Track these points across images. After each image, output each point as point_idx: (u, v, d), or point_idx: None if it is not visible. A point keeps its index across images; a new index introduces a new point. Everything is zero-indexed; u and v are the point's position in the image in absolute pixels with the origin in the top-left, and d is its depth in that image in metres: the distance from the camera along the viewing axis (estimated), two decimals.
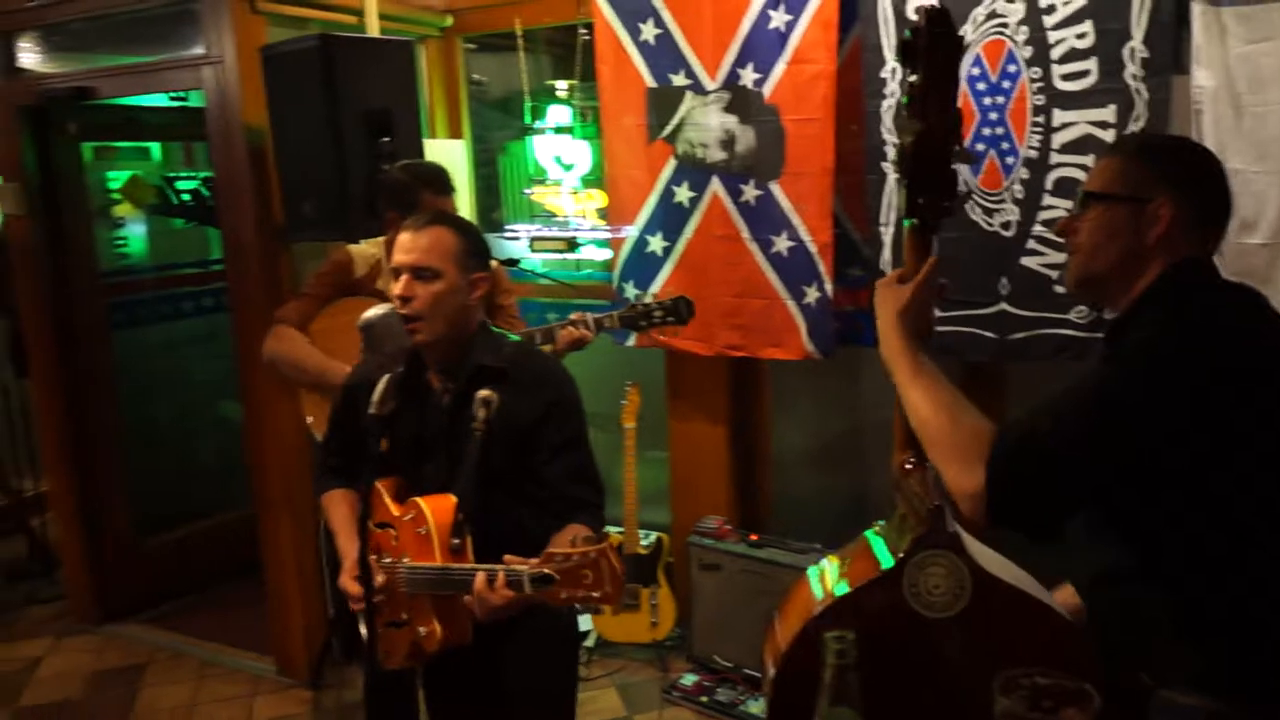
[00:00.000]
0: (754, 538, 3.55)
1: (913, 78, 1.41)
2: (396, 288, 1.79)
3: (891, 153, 2.94)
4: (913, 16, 2.84)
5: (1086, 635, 1.43)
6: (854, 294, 3.23)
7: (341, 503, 2.03)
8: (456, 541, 1.77)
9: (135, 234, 4.67)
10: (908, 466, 1.50)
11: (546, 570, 1.62)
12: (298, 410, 3.00)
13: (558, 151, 4.02)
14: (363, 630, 1.85)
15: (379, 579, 1.82)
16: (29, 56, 3.98)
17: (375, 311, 1.93)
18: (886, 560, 1.48)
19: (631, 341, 3.42)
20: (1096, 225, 1.46)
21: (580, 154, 4.02)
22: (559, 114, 4.00)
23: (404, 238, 1.82)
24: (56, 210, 4.16)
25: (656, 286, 3.42)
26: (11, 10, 3.86)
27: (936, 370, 1.42)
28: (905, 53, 1.43)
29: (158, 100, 4.42)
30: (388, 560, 1.87)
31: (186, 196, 4.81)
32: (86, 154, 4.32)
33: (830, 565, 1.63)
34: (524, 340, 1.97)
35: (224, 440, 4.63)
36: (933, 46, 1.40)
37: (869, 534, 1.62)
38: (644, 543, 3.77)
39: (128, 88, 3.83)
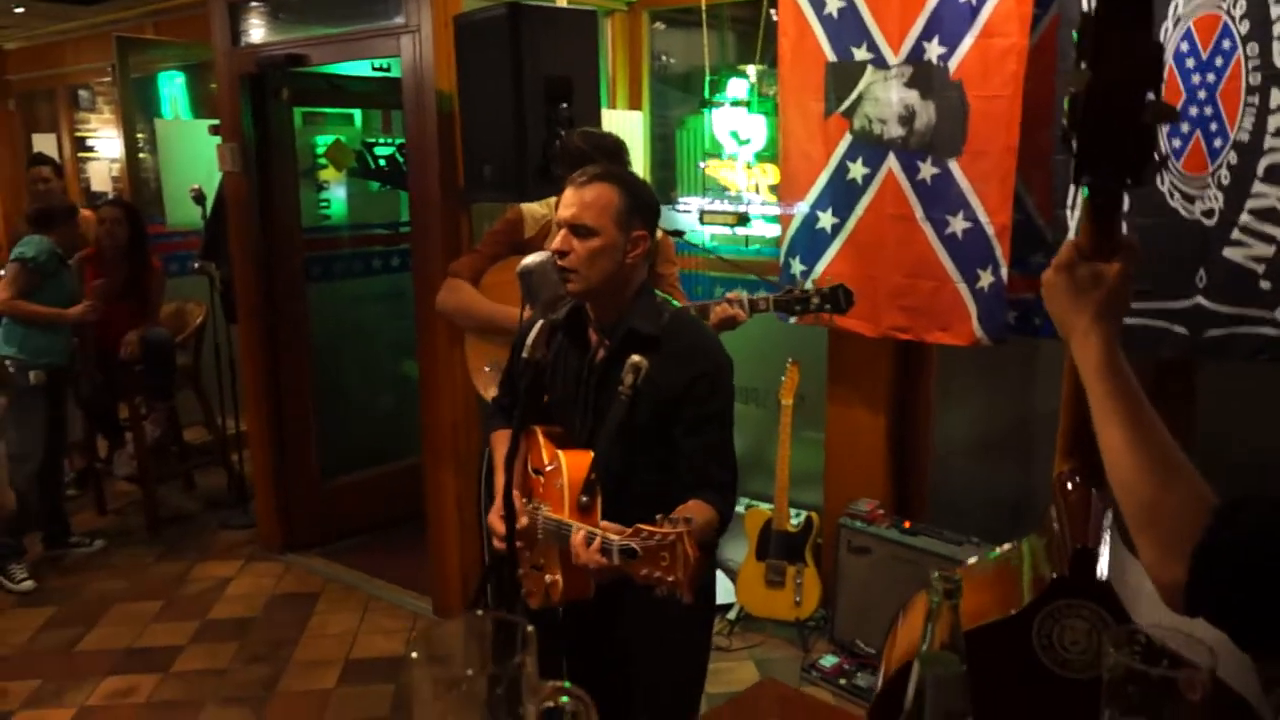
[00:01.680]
0: (907, 525, 3.48)
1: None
2: (555, 240, 1.80)
3: None
4: None
5: None
6: (1033, 281, 3.02)
7: (506, 442, 2.00)
8: (585, 499, 1.76)
9: (336, 195, 4.80)
10: (1069, 485, 1.27)
11: (632, 544, 1.59)
12: (466, 367, 3.05)
13: (734, 126, 3.98)
14: (508, 568, 1.86)
15: (522, 520, 1.83)
16: (252, 28, 4.17)
17: (535, 258, 1.84)
18: (1025, 591, 1.24)
19: (794, 320, 3.28)
20: None
21: (756, 129, 3.96)
22: (737, 88, 3.95)
23: (568, 192, 1.80)
24: (268, 169, 4.35)
25: (824, 264, 3.37)
26: None
27: (1145, 402, 1.08)
28: None
29: (361, 69, 4.53)
30: (531, 506, 1.89)
31: (383, 161, 4.92)
32: (297, 119, 4.50)
33: (973, 569, 1.41)
34: (680, 308, 1.93)
35: (401, 394, 4.74)
36: None
37: (1026, 544, 1.39)
38: (794, 521, 3.74)
39: (335, 55, 3.95)
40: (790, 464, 3.60)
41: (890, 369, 3.60)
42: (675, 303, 1.90)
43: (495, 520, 1.85)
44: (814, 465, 3.84)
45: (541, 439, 1.91)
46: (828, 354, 3.67)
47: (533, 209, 2.85)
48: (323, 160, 4.71)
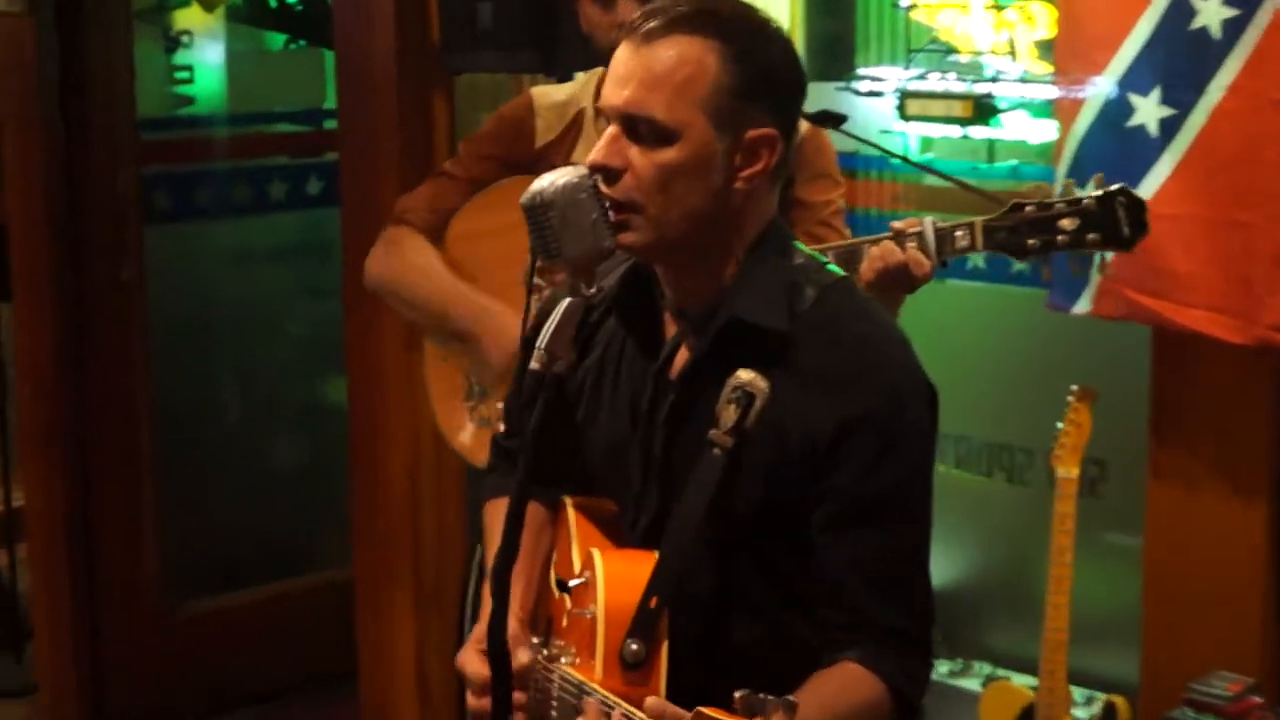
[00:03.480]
0: None
1: None
2: (598, 150, 1.39)
3: None
4: None
5: None
6: None
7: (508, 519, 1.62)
8: (634, 646, 1.40)
9: (203, 59, 3.87)
10: None
11: None
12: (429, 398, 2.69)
13: None
14: None
15: (520, 659, 1.50)
16: None
17: (554, 180, 1.37)
18: None
19: (1084, 305, 2.77)
20: None
21: None
22: None
23: (623, 52, 1.38)
24: (75, 7, 3.42)
25: (1145, 193, 2.62)
26: None
27: None
28: None
29: None
30: (546, 651, 1.56)
31: None
32: None
33: None
34: (841, 280, 1.48)
35: (320, 444, 3.93)
36: None
37: None
38: (1080, 711, 3.07)
39: None
40: (1073, 597, 2.96)
41: (1274, 418, 2.90)
42: (831, 266, 1.52)
43: (470, 659, 1.54)
44: (1121, 600, 3.16)
45: (574, 522, 1.62)
46: (1150, 380, 2.94)
47: (551, 94, 2.43)
48: None
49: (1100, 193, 2.14)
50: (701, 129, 1.37)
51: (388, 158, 2.90)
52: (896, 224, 2.20)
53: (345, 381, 3.21)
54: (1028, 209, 2.15)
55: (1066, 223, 2.13)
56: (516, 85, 2.79)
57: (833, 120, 2.46)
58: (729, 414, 1.38)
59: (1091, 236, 2.12)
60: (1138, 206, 2.14)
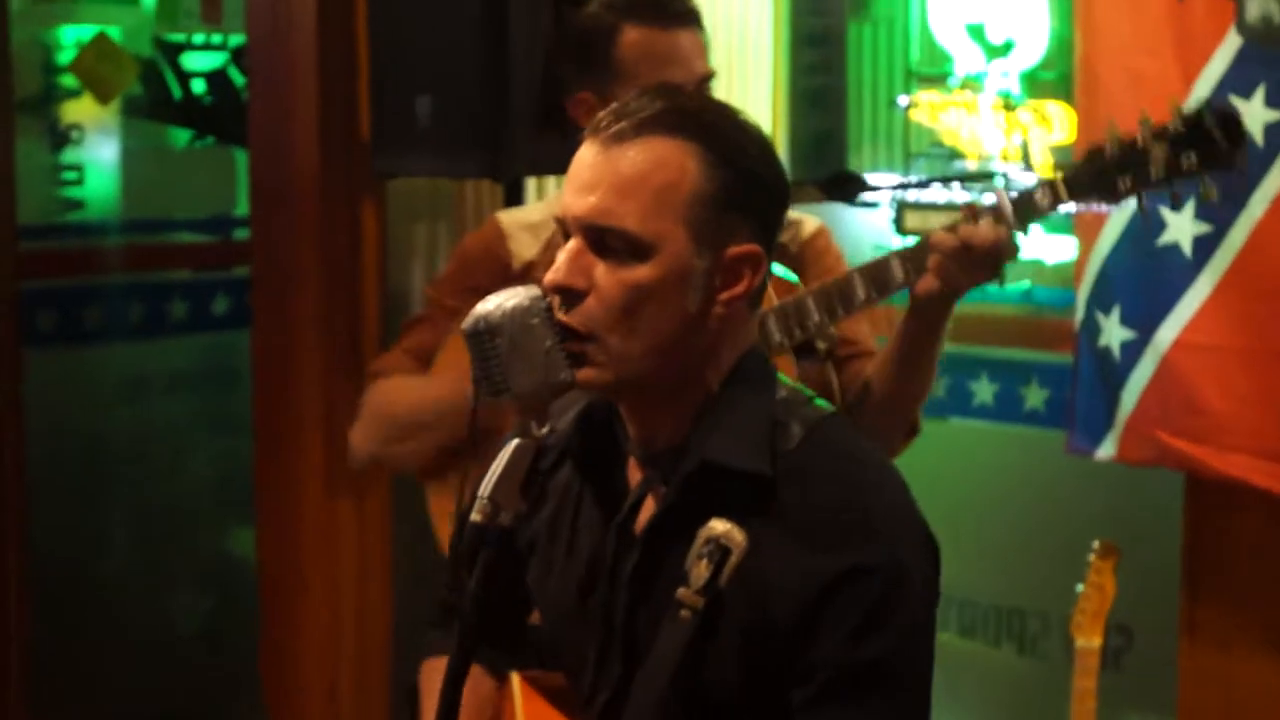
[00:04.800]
0: None
1: None
2: (555, 268, 1.29)
3: None
4: None
5: None
6: None
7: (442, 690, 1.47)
8: None
9: (96, 156, 3.66)
10: None
11: None
12: (356, 567, 2.90)
13: (974, 15, 3.18)
14: None
15: None
16: None
17: (500, 304, 1.30)
18: None
19: (1109, 449, 2.64)
20: None
21: (1023, 22, 3.15)
22: None
23: (583, 157, 1.29)
24: None
25: (1175, 323, 2.64)
26: None
27: None
28: None
29: None
30: None
31: (200, 85, 3.85)
32: None
33: None
34: (831, 416, 1.38)
35: (227, 598, 3.68)
36: None
37: None
38: None
39: None
40: None
41: None
42: (819, 401, 1.43)
43: None
44: None
45: (520, 700, 1.61)
46: (1183, 535, 2.77)
47: (520, 215, 2.26)
48: (70, 78, 3.59)
49: (1185, 113, 2.00)
50: (679, 243, 1.27)
51: (307, 274, 2.77)
52: (971, 205, 2.01)
53: (254, 530, 3.05)
54: (1107, 149, 1.95)
55: (1157, 151, 1.94)
56: (459, 192, 2.67)
57: (853, 186, 2.37)
58: (700, 570, 1.28)
59: (1187, 160, 1.91)
60: (1229, 119, 1.97)
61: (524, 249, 2.14)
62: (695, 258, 1.28)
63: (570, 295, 1.27)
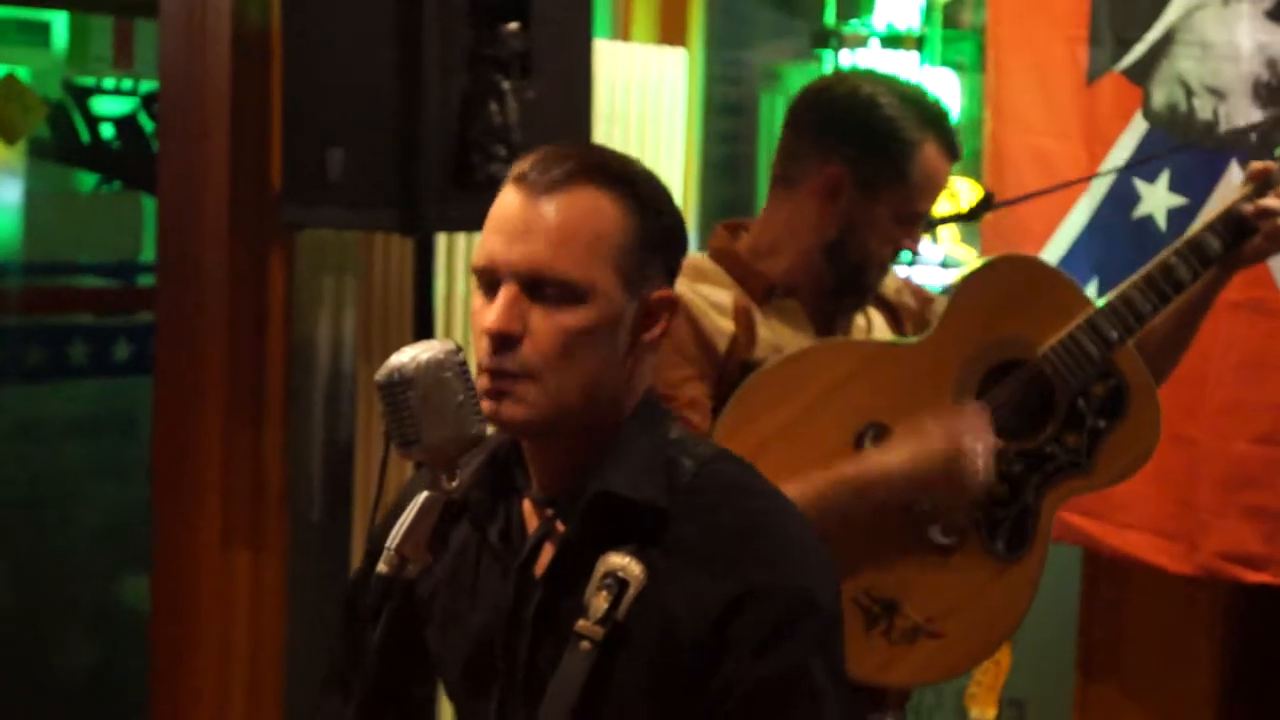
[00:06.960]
0: None
1: None
2: (494, 315, 1.30)
3: None
4: None
5: None
6: None
7: None
8: None
9: (1, 199, 3.75)
10: None
11: None
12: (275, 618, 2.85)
13: None
14: None
15: None
16: None
17: (415, 354, 1.29)
18: None
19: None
20: None
21: (939, 98, 3.23)
22: (898, 9, 3.31)
23: (512, 206, 1.31)
24: None
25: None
26: None
27: None
28: None
29: None
30: None
31: (108, 130, 3.86)
32: None
33: None
34: (723, 452, 1.41)
35: (118, 650, 3.58)
36: None
37: None
38: None
39: None
40: None
41: (1219, 659, 2.78)
42: (709, 441, 1.55)
43: None
44: None
45: None
46: (1079, 611, 2.86)
47: (705, 296, 1.94)
48: None
49: None
50: (611, 287, 1.32)
51: (213, 322, 2.71)
52: (1254, 167, 1.98)
53: (147, 579, 2.93)
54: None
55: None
56: (368, 245, 2.64)
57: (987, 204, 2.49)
58: (599, 602, 1.31)
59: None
60: None
61: (719, 335, 1.96)
62: (625, 301, 1.32)
63: (509, 340, 1.29)
